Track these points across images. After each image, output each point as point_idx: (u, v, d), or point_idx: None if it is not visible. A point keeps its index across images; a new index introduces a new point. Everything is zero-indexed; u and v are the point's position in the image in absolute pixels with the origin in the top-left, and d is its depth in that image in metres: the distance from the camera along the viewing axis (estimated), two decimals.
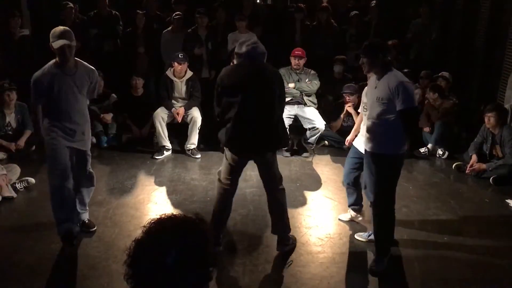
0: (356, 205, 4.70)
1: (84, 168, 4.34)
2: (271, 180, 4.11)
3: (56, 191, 4.11)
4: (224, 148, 4.06)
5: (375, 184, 3.90)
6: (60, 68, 4.00)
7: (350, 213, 4.77)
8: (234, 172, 4.07)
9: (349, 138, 4.83)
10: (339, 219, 4.82)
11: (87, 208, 4.53)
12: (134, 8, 8.01)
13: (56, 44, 3.88)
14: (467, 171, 6.03)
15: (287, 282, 3.86)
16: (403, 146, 3.83)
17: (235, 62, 4.04)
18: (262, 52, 3.89)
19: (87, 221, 4.50)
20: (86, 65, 4.19)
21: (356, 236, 4.47)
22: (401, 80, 3.69)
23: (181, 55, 6.52)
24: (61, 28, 3.98)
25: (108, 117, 6.85)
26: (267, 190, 4.16)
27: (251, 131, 3.87)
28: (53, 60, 4.03)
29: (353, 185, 4.62)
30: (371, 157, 3.91)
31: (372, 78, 3.96)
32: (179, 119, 6.51)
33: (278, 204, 4.15)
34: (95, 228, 4.49)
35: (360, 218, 4.71)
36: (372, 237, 4.25)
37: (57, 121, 4.08)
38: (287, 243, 4.25)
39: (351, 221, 4.75)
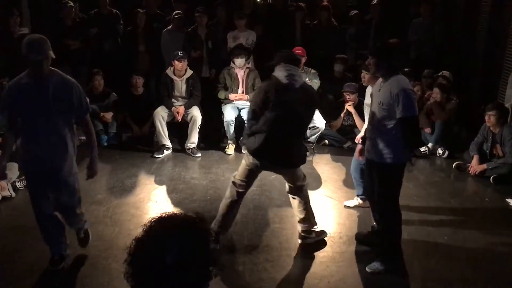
0: (364, 195, 4.82)
1: (66, 199, 3.80)
2: (293, 182, 4.18)
3: (37, 216, 3.84)
4: (246, 154, 4.09)
5: (377, 191, 3.90)
6: (33, 79, 3.56)
7: (358, 201, 4.95)
8: (251, 176, 4.12)
9: (359, 136, 4.82)
10: (344, 206, 5.00)
11: (80, 221, 4.09)
12: (135, 7, 7.99)
13: (35, 57, 3.46)
14: (470, 172, 6.02)
15: (287, 281, 3.86)
16: (403, 155, 3.74)
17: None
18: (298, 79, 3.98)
19: (81, 236, 4.17)
20: (64, 77, 3.67)
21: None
22: (403, 87, 3.59)
23: (180, 53, 6.52)
24: (36, 37, 3.57)
25: (108, 116, 6.86)
26: (289, 187, 4.22)
27: (281, 148, 3.92)
28: (27, 71, 3.60)
29: (361, 178, 4.76)
30: (371, 165, 3.91)
31: (378, 81, 3.91)
32: (179, 118, 6.51)
33: (300, 200, 4.21)
34: (87, 245, 4.19)
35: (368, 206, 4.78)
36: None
37: (30, 143, 3.64)
38: (309, 235, 4.28)
39: (357, 207, 4.96)
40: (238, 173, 4.15)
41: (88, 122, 3.84)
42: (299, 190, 4.20)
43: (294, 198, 4.24)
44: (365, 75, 4.61)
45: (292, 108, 3.88)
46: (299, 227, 4.32)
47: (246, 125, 4.09)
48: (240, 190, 4.13)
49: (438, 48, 8.28)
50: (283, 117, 3.85)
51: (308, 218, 4.28)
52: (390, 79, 3.68)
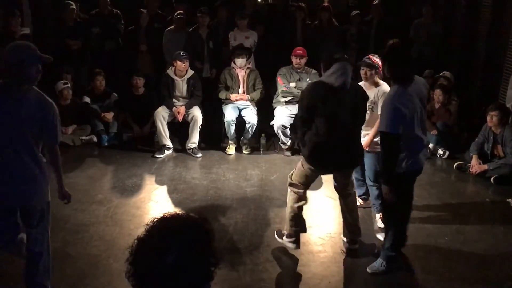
0: (365, 195, 4.88)
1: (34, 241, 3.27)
2: (345, 187, 4.17)
3: None
4: (303, 159, 4.01)
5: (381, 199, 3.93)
6: (7, 91, 3.07)
7: (359, 201, 4.91)
8: (309, 178, 4.08)
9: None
10: None
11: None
12: (136, 6, 8.00)
13: (27, 64, 3.00)
14: (471, 172, 6.01)
15: (287, 281, 3.86)
16: (402, 165, 3.69)
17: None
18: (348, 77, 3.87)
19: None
20: (42, 96, 3.18)
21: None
22: (388, 100, 3.56)
23: (182, 53, 6.53)
24: (27, 43, 3.21)
25: (109, 116, 6.87)
26: (338, 194, 4.22)
27: (337, 151, 3.86)
28: (2, 82, 3.10)
29: (362, 177, 4.77)
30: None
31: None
32: (180, 118, 6.51)
33: (351, 208, 4.19)
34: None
35: (370, 206, 4.84)
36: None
37: None
38: (356, 245, 4.24)
39: (358, 208, 4.82)
40: (295, 175, 4.10)
41: (57, 152, 3.34)
42: (346, 195, 4.18)
43: (343, 206, 4.19)
44: (366, 72, 4.56)
45: (346, 109, 3.82)
46: (348, 234, 4.22)
47: (298, 133, 4.03)
48: (301, 191, 4.09)
49: (439, 48, 8.28)
50: (338, 120, 3.80)
51: (359, 226, 4.24)
52: (394, 85, 3.64)
